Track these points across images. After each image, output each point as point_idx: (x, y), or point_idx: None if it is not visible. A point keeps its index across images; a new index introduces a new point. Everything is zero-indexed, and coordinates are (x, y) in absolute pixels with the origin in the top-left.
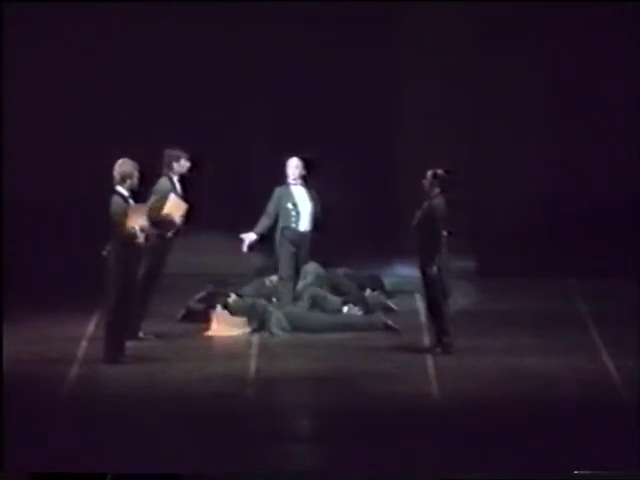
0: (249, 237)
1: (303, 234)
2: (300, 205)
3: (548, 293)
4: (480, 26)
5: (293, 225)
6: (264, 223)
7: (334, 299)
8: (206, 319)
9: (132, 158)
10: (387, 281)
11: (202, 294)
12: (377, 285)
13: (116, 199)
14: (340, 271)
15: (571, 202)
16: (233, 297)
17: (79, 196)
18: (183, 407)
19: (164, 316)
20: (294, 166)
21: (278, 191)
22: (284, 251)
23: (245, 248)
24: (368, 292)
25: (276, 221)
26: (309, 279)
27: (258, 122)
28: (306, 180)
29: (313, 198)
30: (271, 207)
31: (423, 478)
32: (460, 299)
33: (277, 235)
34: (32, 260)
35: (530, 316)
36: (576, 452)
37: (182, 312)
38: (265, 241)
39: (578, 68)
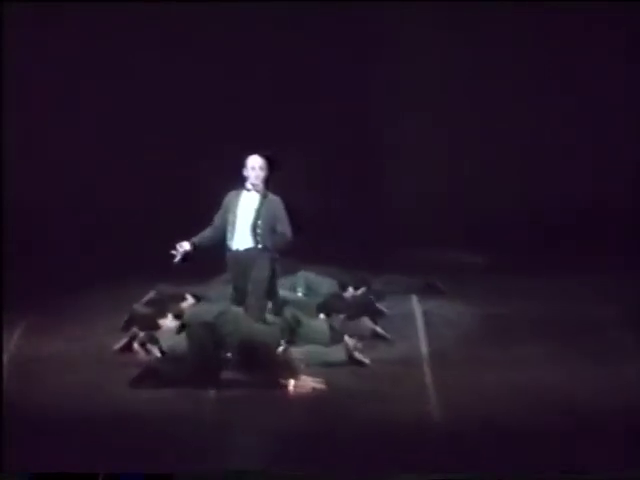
0: (183, 246)
1: (237, 254)
2: (239, 217)
3: (566, 294)
4: (480, 25)
5: (228, 242)
6: (206, 234)
7: (316, 325)
8: (153, 327)
9: (133, 158)
10: (376, 280)
11: (150, 295)
12: (363, 283)
13: None
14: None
15: (594, 195)
16: (190, 301)
17: (80, 197)
18: (180, 408)
19: None
20: (257, 167)
21: (229, 196)
22: (231, 274)
23: (176, 259)
24: (351, 291)
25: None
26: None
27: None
28: (268, 184)
29: (270, 209)
30: (217, 216)
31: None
32: (462, 300)
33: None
34: (32, 262)
35: (545, 320)
36: (596, 467)
37: (125, 317)
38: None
39: (592, 67)
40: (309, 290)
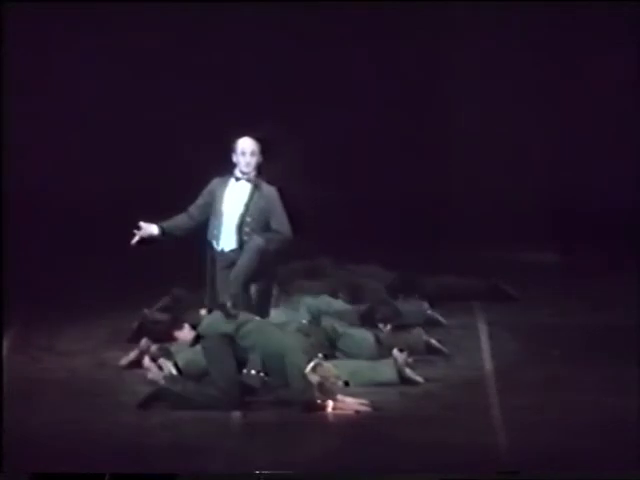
0: (148, 229)
1: (221, 255)
2: (226, 212)
3: None
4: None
5: (211, 239)
6: (180, 223)
7: (360, 336)
8: (168, 338)
9: (133, 160)
10: (430, 283)
11: (164, 301)
12: (414, 287)
13: None
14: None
15: None
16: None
17: (81, 200)
18: (199, 435)
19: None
20: (248, 152)
21: (213, 184)
22: (211, 275)
23: (135, 240)
24: (400, 297)
25: (203, 225)
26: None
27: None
28: (260, 172)
29: (262, 202)
30: (195, 206)
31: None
32: (535, 308)
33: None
34: (34, 264)
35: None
36: None
37: (135, 324)
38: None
39: None
40: (351, 295)
